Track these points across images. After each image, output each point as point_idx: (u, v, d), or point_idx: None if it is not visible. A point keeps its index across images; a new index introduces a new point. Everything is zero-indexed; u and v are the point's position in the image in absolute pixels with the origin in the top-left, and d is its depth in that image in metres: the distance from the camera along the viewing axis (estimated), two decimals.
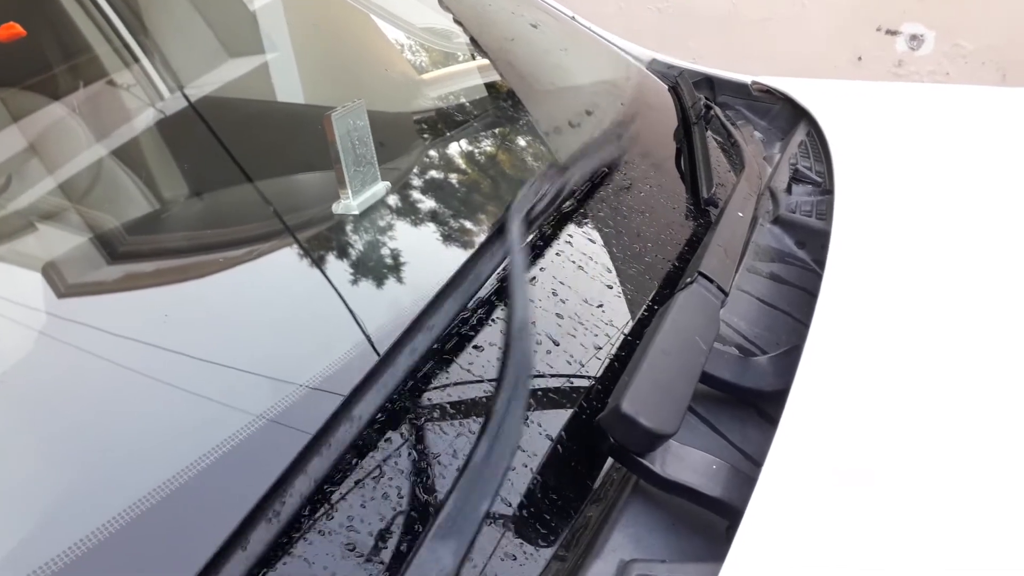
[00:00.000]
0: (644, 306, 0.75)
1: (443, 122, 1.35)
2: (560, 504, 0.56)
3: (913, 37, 2.44)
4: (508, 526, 0.51)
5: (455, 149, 1.16)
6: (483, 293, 0.66)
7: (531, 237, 0.72)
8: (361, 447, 0.53)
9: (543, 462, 0.57)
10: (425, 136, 1.26)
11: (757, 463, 0.63)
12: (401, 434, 0.55)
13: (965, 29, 2.41)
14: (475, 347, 0.63)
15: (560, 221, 0.82)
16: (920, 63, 2.47)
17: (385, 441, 0.54)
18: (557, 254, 0.78)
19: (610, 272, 0.79)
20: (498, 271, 0.66)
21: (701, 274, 0.69)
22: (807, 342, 0.67)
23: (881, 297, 0.77)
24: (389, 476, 0.53)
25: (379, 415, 0.54)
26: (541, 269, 0.74)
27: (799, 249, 0.97)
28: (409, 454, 0.55)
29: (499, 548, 0.50)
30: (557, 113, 1.34)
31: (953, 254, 0.86)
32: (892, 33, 2.47)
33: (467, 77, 1.52)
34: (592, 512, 0.57)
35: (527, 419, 0.58)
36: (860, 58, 2.53)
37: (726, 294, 0.70)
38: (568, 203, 0.83)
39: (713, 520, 0.58)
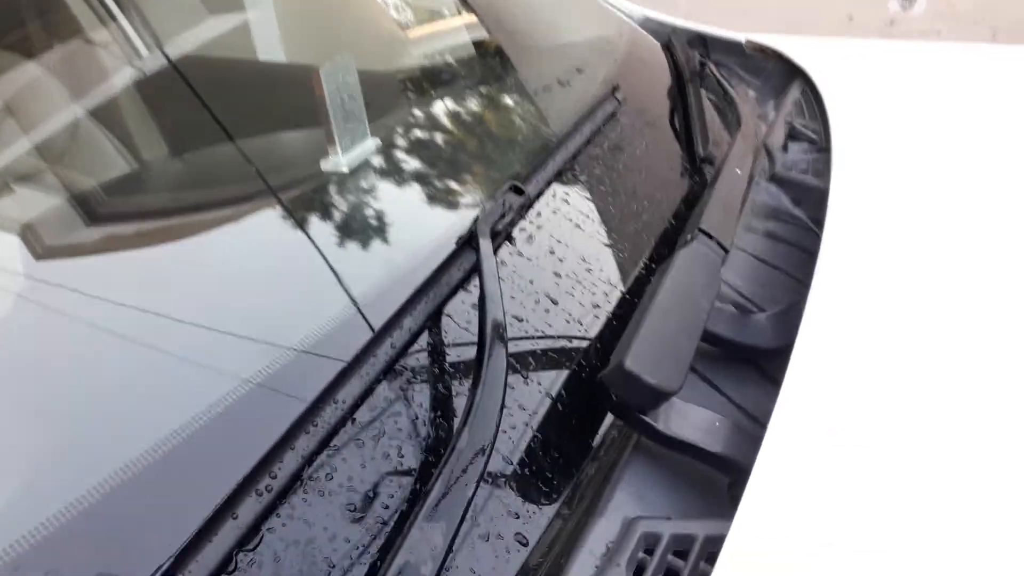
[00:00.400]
0: (642, 264, 0.74)
1: (430, 80, 1.31)
2: (561, 462, 0.55)
3: None
4: (510, 485, 0.50)
5: (443, 108, 1.13)
6: (467, 263, 0.64)
7: (523, 199, 0.70)
8: (354, 409, 0.51)
9: (542, 420, 0.56)
10: (412, 95, 1.23)
11: (759, 421, 0.62)
12: (393, 397, 0.54)
13: None
14: (461, 312, 0.62)
15: (556, 179, 0.80)
16: (912, 22, 2.44)
17: (379, 404, 0.52)
18: (554, 212, 0.76)
19: (607, 230, 0.77)
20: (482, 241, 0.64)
21: (701, 231, 0.68)
22: (808, 300, 0.66)
23: (881, 255, 0.76)
24: (385, 437, 0.52)
25: (371, 378, 0.53)
26: (538, 228, 0.72)
27: (795, 207, 0.96)
28: (403, 416, 0.54)
29: (501, 506, 0.48)
30: (547, 71, 1.30)
31: (950, 212, 0.85)
32: None
33: (454, 34, 1.48)
34: (593, 470, 0.56)
35: (510, 377, 0.57)
36: (851, 17, 2.50)
37: (726, 251, 0.68)
38: (564, 163, 0.81)
39: (715, 477, 0.57)
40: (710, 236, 0.68)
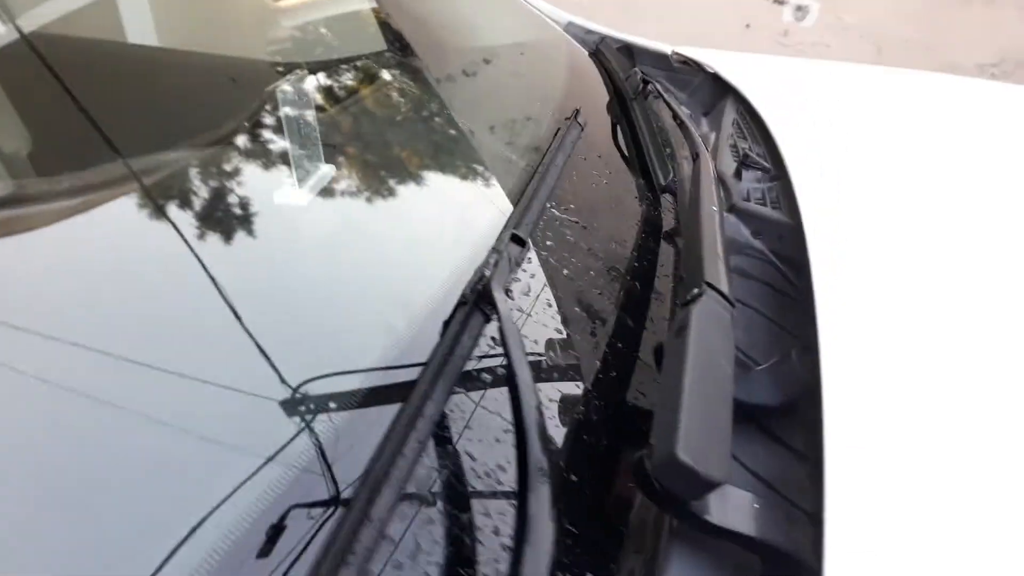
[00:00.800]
0: (645, 317, 0.70)
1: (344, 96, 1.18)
2: (599, 555, 0.50)
3: (799, 8, 2.48)
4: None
5: (376, 128, 1.05)
6: (476, 324, 0.58)
7: (523, 250, 0.64)
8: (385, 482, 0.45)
9: (574, 507, 0.52)
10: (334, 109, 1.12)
11: (778, 491, 0.60)
12: (429, 475, 0.48)
13: (847, 2, 2.47)
14: (475, 379, 0.56)
15: (539, 221, 0.75)
16: (804, 33, 2.52)
17: (415, 477, 0.46)
18: (542, 260, 0.71)
19: (596, 276, 0.73)
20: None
21: (709, 284, 0.64)
22: (822, 356, 0.64)
23: (881, 293, 0.75)
24: (423, 511, 0.46)
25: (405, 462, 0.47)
26: (532, 277, 0.67)
27: (755, 238, 0.94)
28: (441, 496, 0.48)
29: None
30: (450, 58, 1.23)
31: (930, 235, 0.86)
32: (779, 3, 2.51)
33: (358, 28, 1.36)
34: (634, 563, 0.52)
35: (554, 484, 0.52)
36: (748, 25, 2.55)
37: (733, 305, 0.65)
38: (543, 203, 0.76)
39: (750, 560, 0.54)
40: (716, 290, 0.65)
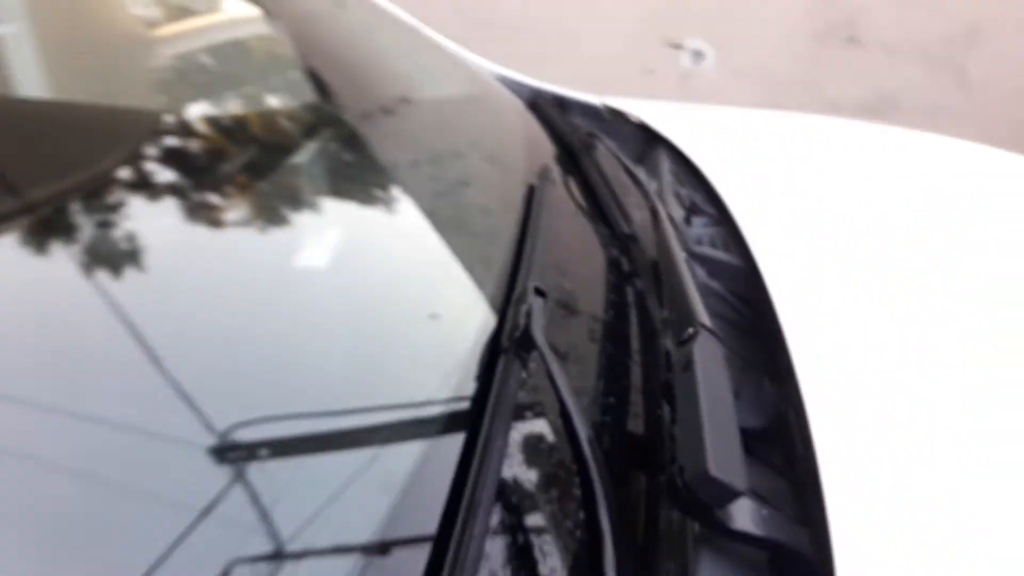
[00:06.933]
0: (648, 359, 0.80)
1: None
2: (645, 561, 0.59)
3: (696, 52, 2.69)
4: None
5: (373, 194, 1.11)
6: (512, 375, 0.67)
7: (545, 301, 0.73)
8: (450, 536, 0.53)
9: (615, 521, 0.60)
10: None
11: (768, 502, 0.70)
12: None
13: (739, 46, 2.69)
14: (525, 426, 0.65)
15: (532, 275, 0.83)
16: (701, 77, 2.72)
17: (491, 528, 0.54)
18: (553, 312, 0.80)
19: (594, 322, 0.83)
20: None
21: (702, 326, 0.75)
22: (799, 381, 0.75)
23: (838, 319, 0.88)
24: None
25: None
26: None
27: (711, 280, 1.06)
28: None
29: None
30: (368, 93, 1.24)
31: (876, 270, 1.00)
32: (677, 47, 2.71)
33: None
34: (670, 566, 0.61)
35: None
36: (651, 71, 2.74)
37: (723, 342, 0.76)
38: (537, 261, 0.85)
39: (757, 557, 0.64)
40: (708, 329, 0.75)
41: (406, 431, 0.64)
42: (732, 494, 0.59)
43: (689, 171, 1.33)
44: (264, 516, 0.54)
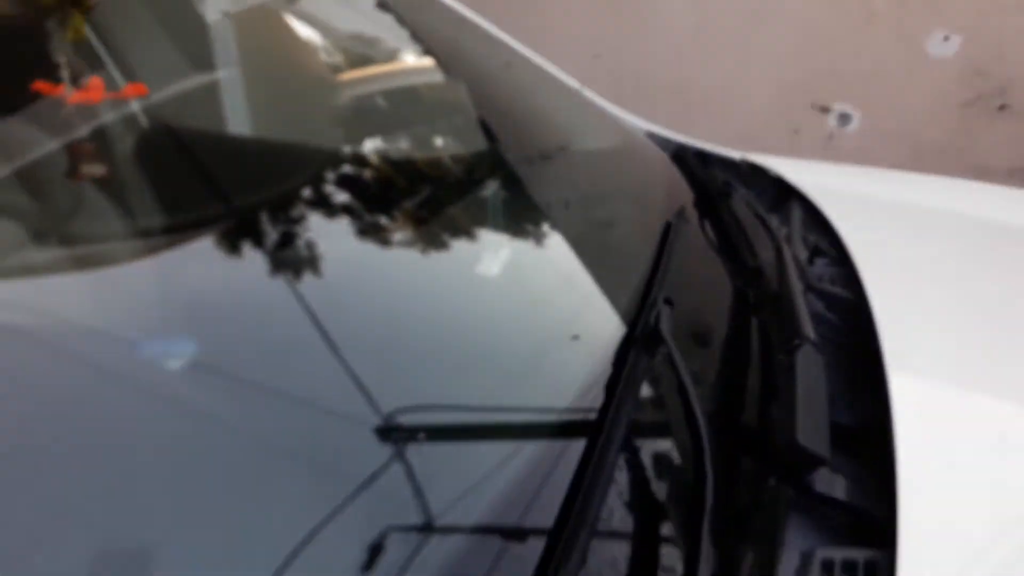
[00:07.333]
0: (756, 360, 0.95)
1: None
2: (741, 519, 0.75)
3: (843, 115, 2.78)
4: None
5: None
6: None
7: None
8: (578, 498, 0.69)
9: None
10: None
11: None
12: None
13: (886, 111, 2.76)
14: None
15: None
16: (847, 139, 2.81)
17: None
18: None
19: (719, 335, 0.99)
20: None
21: (806, 338, 0.89)
22: (890, 392, 0.88)
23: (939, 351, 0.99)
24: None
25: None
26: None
27: (828, 312, 1.19)
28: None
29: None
30: (529, 142, 1.45)
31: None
32: (824, 110, 2.81)
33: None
34: (761, 520, 0.76)
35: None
36: (797, 131, 2.85)
37: (823, 352, 0.90)
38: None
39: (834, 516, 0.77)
40: (811, 342, 0.90)
41: (548, 414, 0.81)
42: (817, 461, 0.73)
43: (817, 219, 1.46)
44: (417, 492, 0.67)
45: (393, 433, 0.70)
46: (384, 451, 0.69)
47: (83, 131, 1.01)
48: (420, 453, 0.70)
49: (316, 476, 0.67)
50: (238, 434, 0.68)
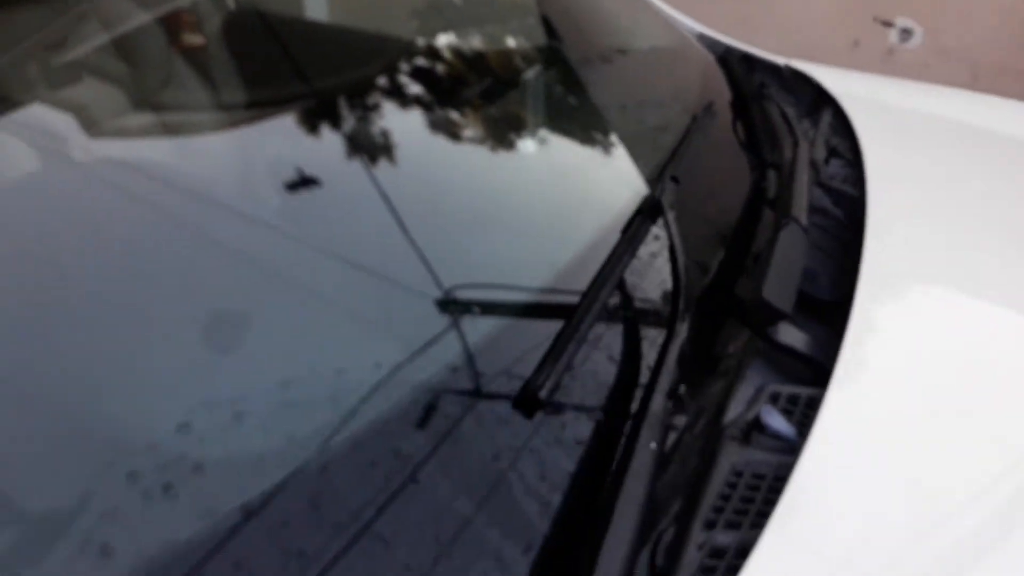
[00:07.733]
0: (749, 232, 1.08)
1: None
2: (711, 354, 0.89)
3: (904, 30, 2.78)
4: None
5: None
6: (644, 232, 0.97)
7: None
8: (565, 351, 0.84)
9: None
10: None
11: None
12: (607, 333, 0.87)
13: (948, 28, 2.75)
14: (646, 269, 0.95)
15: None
16: (907, 54, 2.81)
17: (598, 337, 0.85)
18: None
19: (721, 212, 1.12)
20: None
21: (793, 219, 1.02)
22: (861, 273, 1.00)
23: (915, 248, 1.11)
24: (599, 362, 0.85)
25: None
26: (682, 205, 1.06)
27: (834, 207, 1.30)
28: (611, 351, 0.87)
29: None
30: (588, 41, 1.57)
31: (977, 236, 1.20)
32: (887, 24, 2.81)
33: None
34: (728, 362, 0.90)
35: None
36: (857, 43, 2.86)
37: (807, 231, 1.03)
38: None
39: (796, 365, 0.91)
40: (797, 222, 1.02)
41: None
42: (778, 315, 0.87)
43: (845, 125, 1.55)
44: (468, 358, 0.75)
45: (450, 305, 0.78)
46: (441, 321, 0.77)
47: (176, 5, 1.15)
48: (474, 324, 0.79)
49: (378, 339, 0.75)
50: (306, 293, 0.77)
